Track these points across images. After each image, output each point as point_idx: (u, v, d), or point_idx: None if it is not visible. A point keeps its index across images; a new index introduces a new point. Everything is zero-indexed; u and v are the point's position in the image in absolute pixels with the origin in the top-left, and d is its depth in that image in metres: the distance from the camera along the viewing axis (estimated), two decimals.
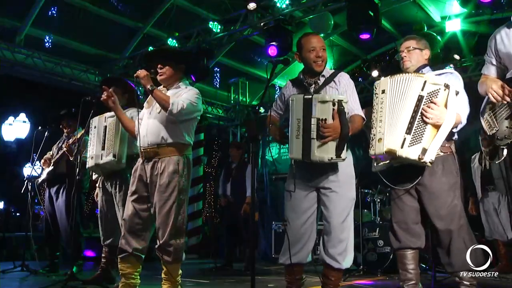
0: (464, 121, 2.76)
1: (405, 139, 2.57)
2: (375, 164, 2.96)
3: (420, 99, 2.59)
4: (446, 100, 2.58)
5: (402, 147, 2.58)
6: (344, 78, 2.98)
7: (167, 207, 3.04)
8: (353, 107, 2.92)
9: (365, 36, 6.06)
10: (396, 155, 2.61)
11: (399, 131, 2.62)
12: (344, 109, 2.72)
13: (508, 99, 2.38)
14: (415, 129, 2.58)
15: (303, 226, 2.94)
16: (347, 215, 2.90)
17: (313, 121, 2.69)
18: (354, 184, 2.99)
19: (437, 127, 2.57)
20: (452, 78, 2.78)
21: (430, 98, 2.58)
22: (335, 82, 2.96)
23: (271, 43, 6.51)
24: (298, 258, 2.96)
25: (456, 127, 2.75)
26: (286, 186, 3.03)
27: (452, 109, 2.60)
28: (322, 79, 2.98)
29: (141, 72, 3.07)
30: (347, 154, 2.81)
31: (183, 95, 3.13)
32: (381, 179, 2.95)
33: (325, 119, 2.67)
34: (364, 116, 2.96)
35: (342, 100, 2.72)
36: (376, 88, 2.80)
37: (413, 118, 2.59)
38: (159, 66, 3.21)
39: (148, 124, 3.18)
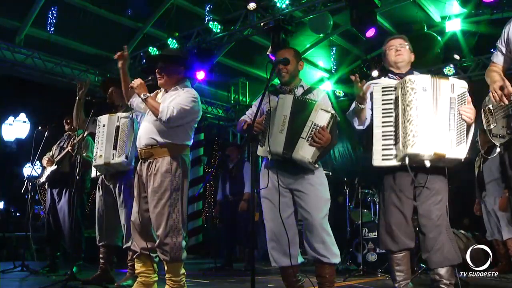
0: None
1: (451, 140, 2.57)
2: (378, 159, 2.79)
3: (453, 101, 2.61)
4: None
5: (450, 147, 2.56)
6: (321, 93, 3.13)
7: (160, 206, 3.07)
8: None
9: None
10: (444, 157, 2.57)
11: (442, 131, 2.58)
12: (336, 127, 2.97)
13: (506, 101, 2.38)
14: (457, 129, 2.58)
15: (284, 227, 2.94)
16: (325, 214, 2.99)
17: (309, 123, 2.86)
18: (327, 187, 3.09)
19: (469, 126, 2.60)
20: None
21: (462, 100, 2.62)
22: (313, 94, 3.10)
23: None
24: (285, 261, 2.99)
25: None
26: (262, 193, 3.07)
27: None
28: (300, 90, 3.11)
29: (135, 82, 3.15)
30: (319, 168, 3.03)
31: (176, 99, 3.13)
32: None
33: (320, 126, 2.85)
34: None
35: (336, 117, 2.95)
36: (412, 82, 2.65)
37: (451, 119, 2.59)
38: (157, 71, 3.24)
39: (144, 125, 3.25)
